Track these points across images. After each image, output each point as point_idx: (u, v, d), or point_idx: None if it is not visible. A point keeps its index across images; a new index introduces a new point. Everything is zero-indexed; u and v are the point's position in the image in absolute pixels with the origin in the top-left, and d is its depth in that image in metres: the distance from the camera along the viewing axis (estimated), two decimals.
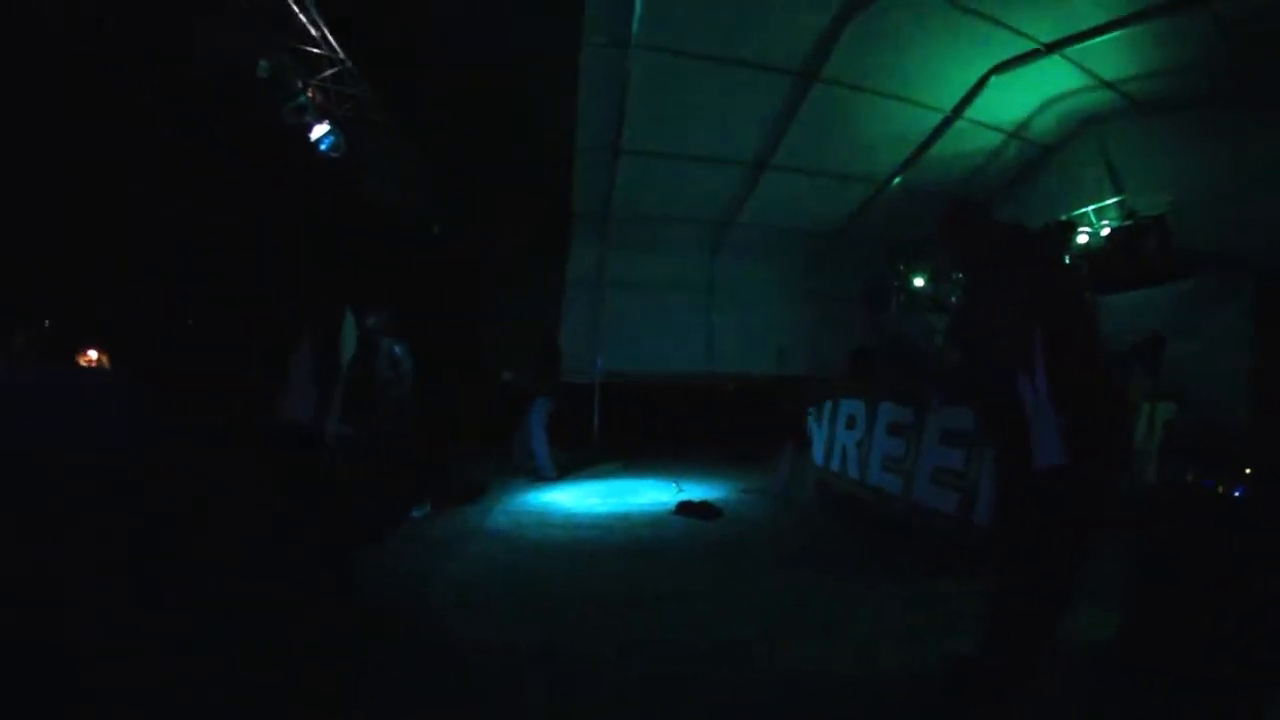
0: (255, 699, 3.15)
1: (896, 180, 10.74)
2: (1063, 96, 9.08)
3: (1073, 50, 7.96)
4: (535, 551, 5.76)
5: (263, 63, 8.06)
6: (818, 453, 7.67)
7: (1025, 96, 9.16)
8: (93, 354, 16.63)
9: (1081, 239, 9.49)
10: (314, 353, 4.74)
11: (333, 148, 9.10)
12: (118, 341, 15.01)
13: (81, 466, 6.88)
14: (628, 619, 4.19)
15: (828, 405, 7.56)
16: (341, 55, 8.77)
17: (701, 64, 8.53)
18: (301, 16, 8.20)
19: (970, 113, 9.32)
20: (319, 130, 8.93)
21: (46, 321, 16.56)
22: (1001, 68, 8.45)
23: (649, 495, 8.21)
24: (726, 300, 13.17)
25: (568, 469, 9.70)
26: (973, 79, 8.76)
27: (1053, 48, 7.98)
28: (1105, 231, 9.40)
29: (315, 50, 8.59)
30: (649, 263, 12.74)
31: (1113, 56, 8.05)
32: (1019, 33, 7.90)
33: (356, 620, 4.16)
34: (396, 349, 7.19)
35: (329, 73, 8.89)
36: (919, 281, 11.93)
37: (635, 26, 7.93)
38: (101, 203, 13.38)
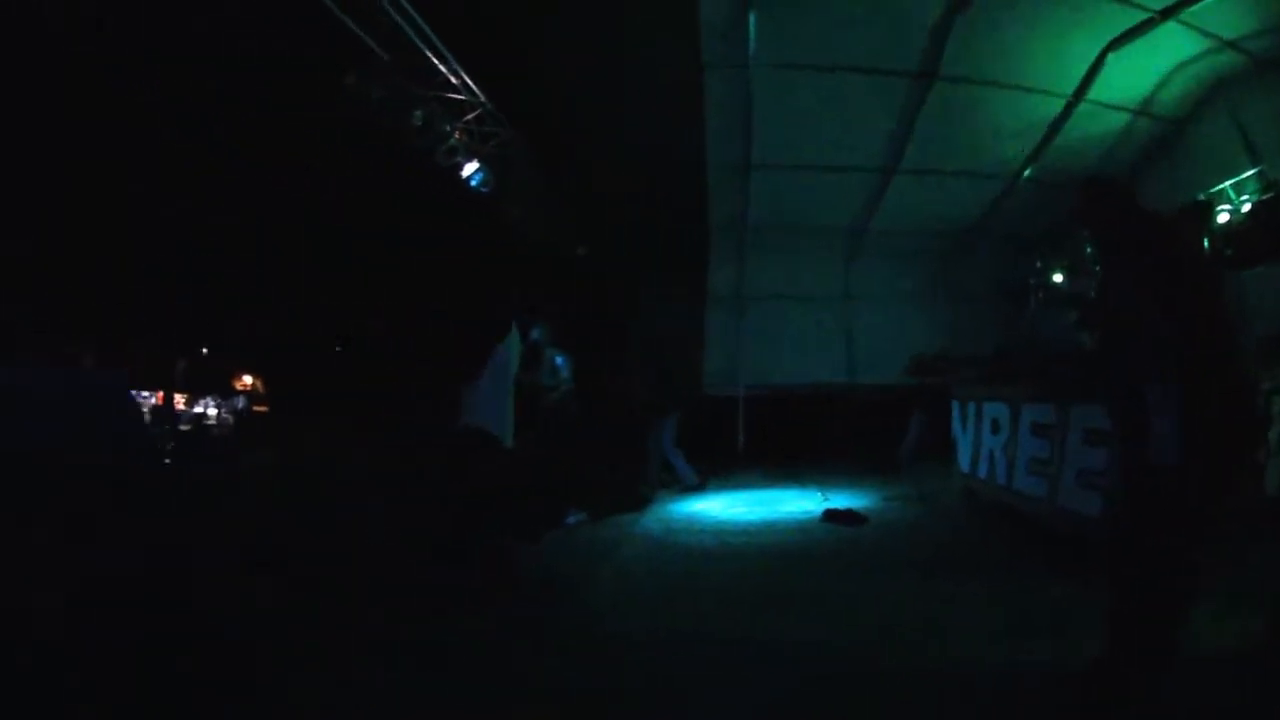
0: (431, 681, 3.70)
1: (1026, 173, 10.82)
2: (1185, 65, 8.95)
3: (1188, 13, 7.88)
4: (686, 555, 6.36)
5: (417, 112, 9.07)
6: (963, 459, 7.87)
7: (1146, 70, 9.09)
8: (247, 379, 18.32)
9: (1222, 218, 9.19)
10: (488, 365, 5.36)
11: (482, 183, 10.11)
12: (271, 367, 16.48)
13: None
14: (773, 617, 4.58)
15: (971, 407, 7.73)
16: (482, 99, 9.75)
17: (819, 75, 9.05)
18: (443, 68, 9.19)
19: (1092, 94, 9.32)
20: (469, 168, 9.95)
21: (204, 349, 18.32)
22: (1117, 43, 8.47)
23: (795, 504, 8.66)
24: (864, 308, 13.48)
25: (714, 479, 10.26)
26: (1090, 58, 8.81)
27: (1167, 13, 7.94)
28: (1246, 208, 9.08)
29: (459, 96, 9.57)
30: (786, 274, 13.22)
31: (1232, 14, 7.92)
32: (1129, 3, 7.93)
33: (522, 611, 4.76)
34: (558, 360, 8.00)
35: (472, 115, 9.87)
36: (1057, 278, 11.95)
37: (751, 46, 8.52)
38: (262, 238, 14.76)
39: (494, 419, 5.33)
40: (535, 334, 7.60)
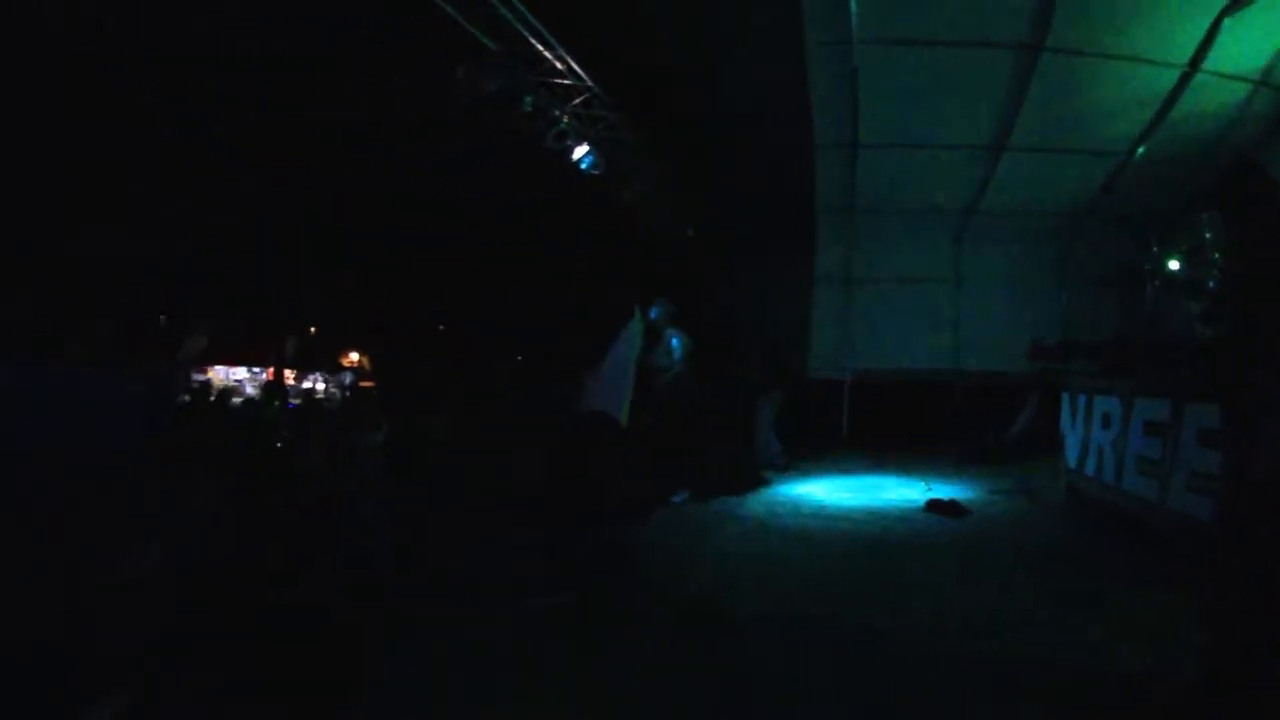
0: (554, 653, 4.03)
1: (1140, 151, 10.50)
2: None
3: None
4: (789, 538, 6.66)
5: (527, 98, 9.41)
6: (1071, 454, 7.80)
7: (1266, 36, 8.67)
8: (354, 355, 19.19)
9: None
10: (610, 347, 5.60)
11: (592, 166, 10.45)
12: (377, 345, 17.21)
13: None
14: (873, 605, 4.77)
15: (1081, 400, 7.65)
16: (589, 83, 10.04)
17: (924, 51, 9.05)
18: (548, 54, 9.50)
19: (1209, 64, 8.94)
20: (579, 151, 10.29)
21: (313, 329, 19.23)
22: (1232, 7, 8.14)
23: (898, 492, 8.82)
24: (973, 292, 13.34)
25: (817, 464, 10.51)
26: (1204, 25, 8.46)
27: None
28: None
29: (565, 81, 9.89)
30: (894, 256, 13.23)
31: None
32: None
33: (634, 588, 5.13)
34: (675, 340, 8.28)
35: (579, 100, 10.19)
36: (1173, 265, 11.58)
37: (854, 22, 8.55)
38: (372, 218, 15.39)
39: (612, 401, 5.55)
40: (654, 312, 7.94)
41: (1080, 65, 9.15)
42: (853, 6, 8.41)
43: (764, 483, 9.33)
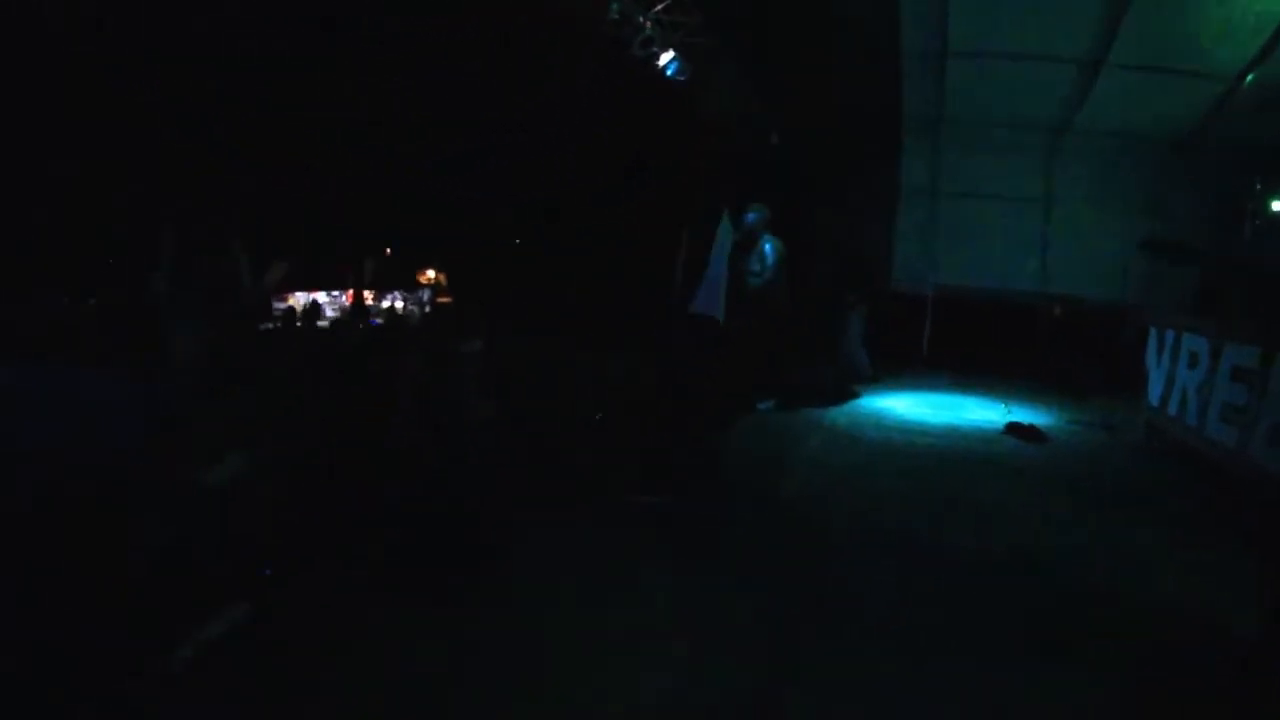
0: (650, 551, 4.37)
1: (1250, 78, 10.04)
2: None
3: None
4: (872, 450, 6.97)
5: (614, 4, 9.50)
6: (1154, 392, 7.72)
7: None
8: (430, 273, 19.61)
9: None
10: (700, 252, 5.77)
11: (678, 72, 10.53)
12: (453, 262, 17.52)
13: None
14: (952, 524, 5.05)
15: (1169, 337, 7.51)
16: None
17: None
18: None
19: None
20: (665, 58, 10.37)
21: (388, 250, 19.67)
22: None
23: (978, 412, 8.97)
24: (1063, 214, 12.92)
25: (897, 379, 10.69)
26: None
27: None
28: None
29: None
30: (982, 172, 12.95)
31: None
32: None
33: (724, 493, 5.46)
34: (768, 245, 8.44)
35: (661, 5, 10.22)
36: (1276, 205, 11.23)
37: None
38: (446, 135, 15.57)
39: (710, 303, 5.73)
40: (750, 217, 8.11)
41: None
42: None
43: (848, 394, 9.54)
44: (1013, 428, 7.93)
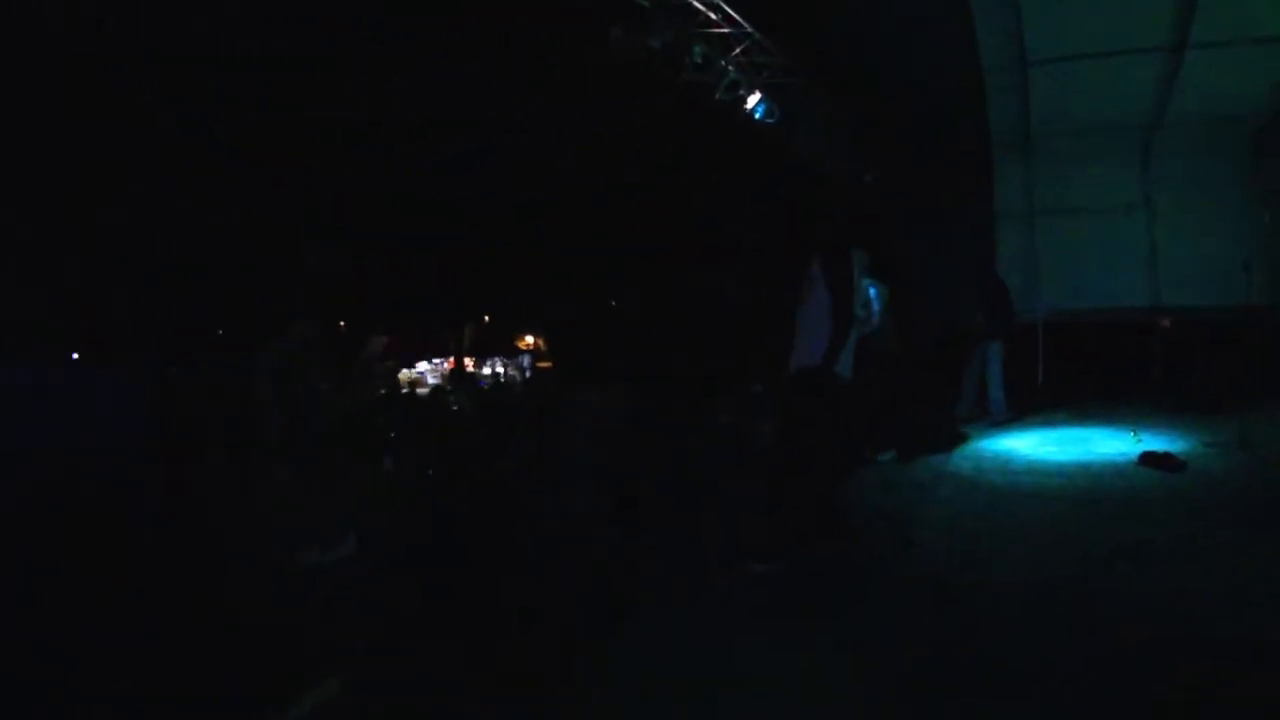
0: (774, 626, 4.14)
1: None
2: None
3: None
4: (1001, 497, 6.55)
5: (696, 48, 9.48)
6: None
7: None
8: (529, 339, 19.88)
9: None
10: (827, 296, 5.55)
11: (767, 114, 10.43)
12: (551, 328, 17.76)
13: None
14: (1094, 570, 4.63)
15: None
16: (749, 29, 10.00)
17: None
18: (699, 4, 9.50)
19: None
20: (752, 100, 10.30)
21: (487, 317, 20.01)
22: None
23: (1106, 444, 8.46)
24: (1169, 217, 12.33)
25: (1018, 414, 10.20)
26: None
27: None
28: None
29: (724, 30, 9.88)
30: (1077, 184, 12.50)
31: None
32: None
33: (851, 553, 5.21)
34: (873, 290, 8.17)
35: (740, 48, 10.16)
36: None
37: None
38: (545, 202, 15.81)
39: (813, 353, 5.49)
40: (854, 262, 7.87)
41: None
42: None
43: (968, 438, 9.17)
44: (1147, 457, 7.41)
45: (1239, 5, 9.29)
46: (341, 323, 18.29)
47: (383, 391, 10.63)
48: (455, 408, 10.67)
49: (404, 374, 16.33)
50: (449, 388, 12.62)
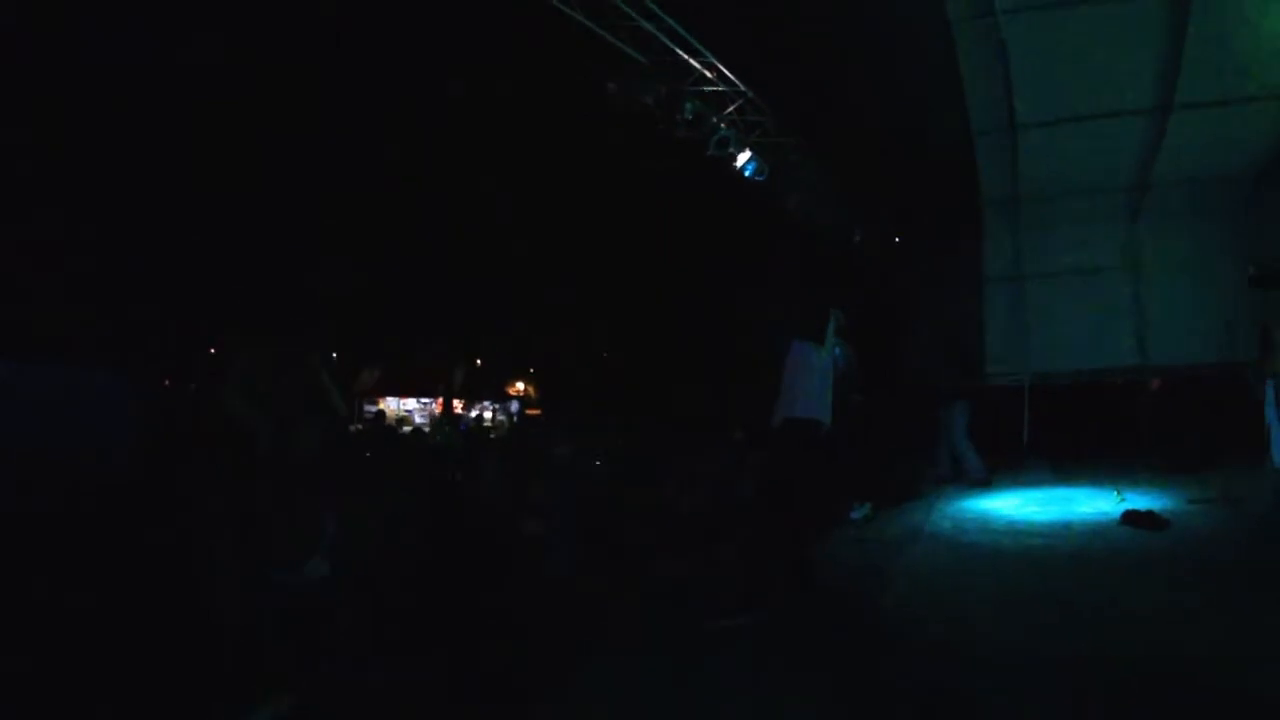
0: (745, 679, 4.01)
1: None
2: None
3: None
4: (980, 558, 6.40)
5: (688, 104, 9.50)
6: (1277, 453, 7.19)
7: None
8: (520, 385, 19.90)
9: None
10: (805, 353, 5.51)
11: (756, 172, 10.47)
12: (543, 375, 17.80)
13: None
14: (1075, 634, 4.47)
15: None
16: (742, 88, 10.06)
17: (1070, 11, 8.47)
18: (695, 63, 9.55)
19: None
20: (742, 158, 10.34)
21: (478, 360, 19.98)
22: None
23: (1089, 504, 8.38)
24: (1154, 278, 12.28)
25: (1001, 476, 10.09)
26: None
27: None
28: None
29: (718, 88, 9.93)
30: (1066, 245, 12.46)
31: None
32: None
33: (824, 609, 5.05)
34: (838, 350, 8.14)
35: (734, 106, 10.21)
36: None
37: None
38: (531, 249, 15.90)
39: (814, 407, 5.45)
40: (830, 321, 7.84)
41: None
42: None
43: (948, 497, 9.08)
44: (1129, 516, 7.31)
45: (1222, 67, 9.24)
46: (335, 354, 18.21)
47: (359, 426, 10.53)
48: (438, 439, 10.58)
49: (391, 410, 16.29)
50: (430, 429, 12.51)
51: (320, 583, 4.93)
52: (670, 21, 9.10)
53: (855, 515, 7.90)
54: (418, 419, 16.71)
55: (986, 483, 9.74)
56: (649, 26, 9.05)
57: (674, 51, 9.38)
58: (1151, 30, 8.85)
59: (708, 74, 9.85)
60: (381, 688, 3.83)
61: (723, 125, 10.19)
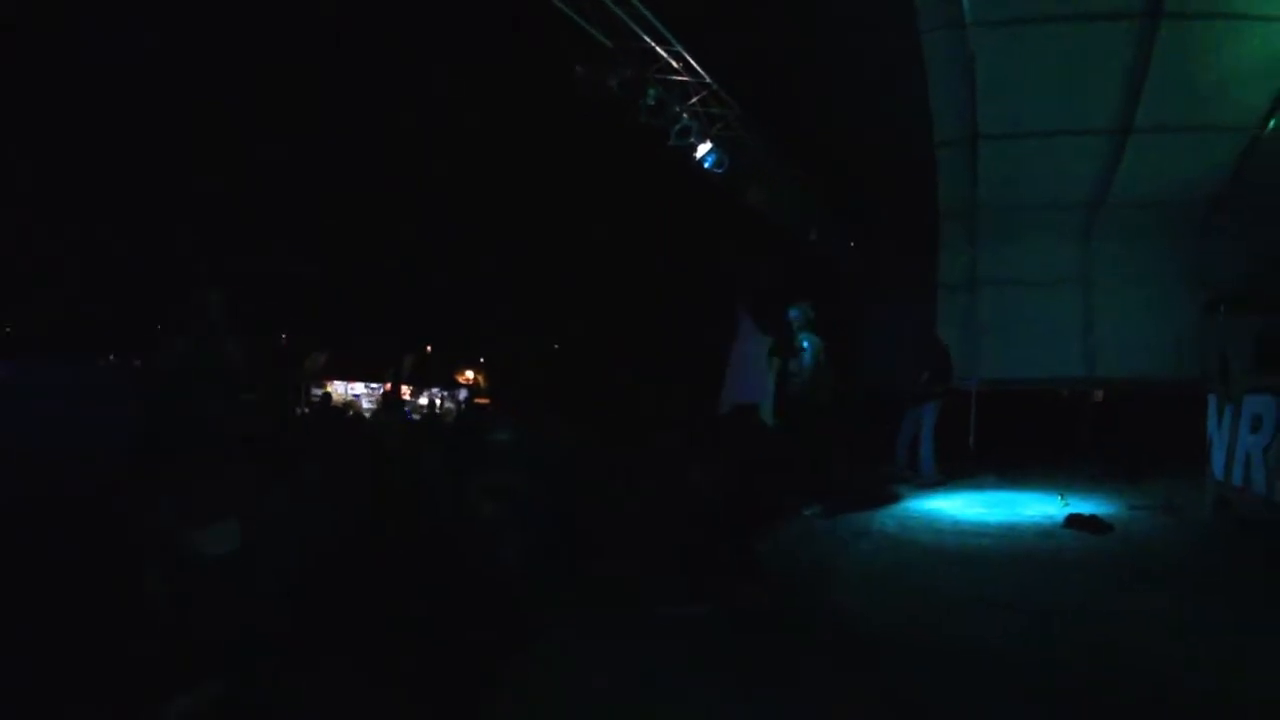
0: (686, 670, 3.90)
1: (1272, 123, 9.71)
2: None
3: None
4: (925, 555, 6.40)
5: (650, 90, 9.42)
6: (1217, 465, 7.31)
7: None
8: (470, 374, 19.67)
9: None
10: (741, 340, 5.46)
11: (715, 164, 10.41)
12: (493, 363, 17.63)
13: None
14: (1018, 629, 4.47)
15: (1228, 408, 7.12)
16: (707, 79, 9.98)
17: (1040, 28, 8.72)
18: (662, 51, 9.47)
19: None
20: (702, 149, 10.28)
21: (429, 347, 19.74)
22: None
23: (1034, 507, 8.43)
24: (1104, 293, 12.50)
25: (947, 478, 10.14)
26: None
27: None
28: None
29: (683, 78, 9.86)
30: (1020, 257, 12.61)
31: None
32: None
33: (768, 602, 4.97)
34: (805, 343, 8.09)
35: (697, 97, 10.15)
36: None
37: (965, 3, 8.29)
38: (485, 236, 15.74)
39: (751, 394, 5.42)
40: (792, 313, 7.82)
41: (1204, 30, 8.68)
42: None
43: (895, 496, 9.09)
44: (1073, 520, 7.36)
45: (1178, 95, 9.49)
46: (284, 335, 17.95)
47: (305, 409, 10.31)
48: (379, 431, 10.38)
49: (338, 394, 16.05)
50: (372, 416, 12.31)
51: (233, 556, 4.77)
52: (640, 7, 9.01)
53: (807, 512, 7.84)
54: (365, 404, 16.48)
55: (939, 484, 9.82)
56: (619, 11, 8.95)
57: (641, 38, 9.29)
58: (1118, 53, 9.06)
59: (674, 63, 9.76)
60: (314, 676, 3.65)
61: (685, 115, 10.11)
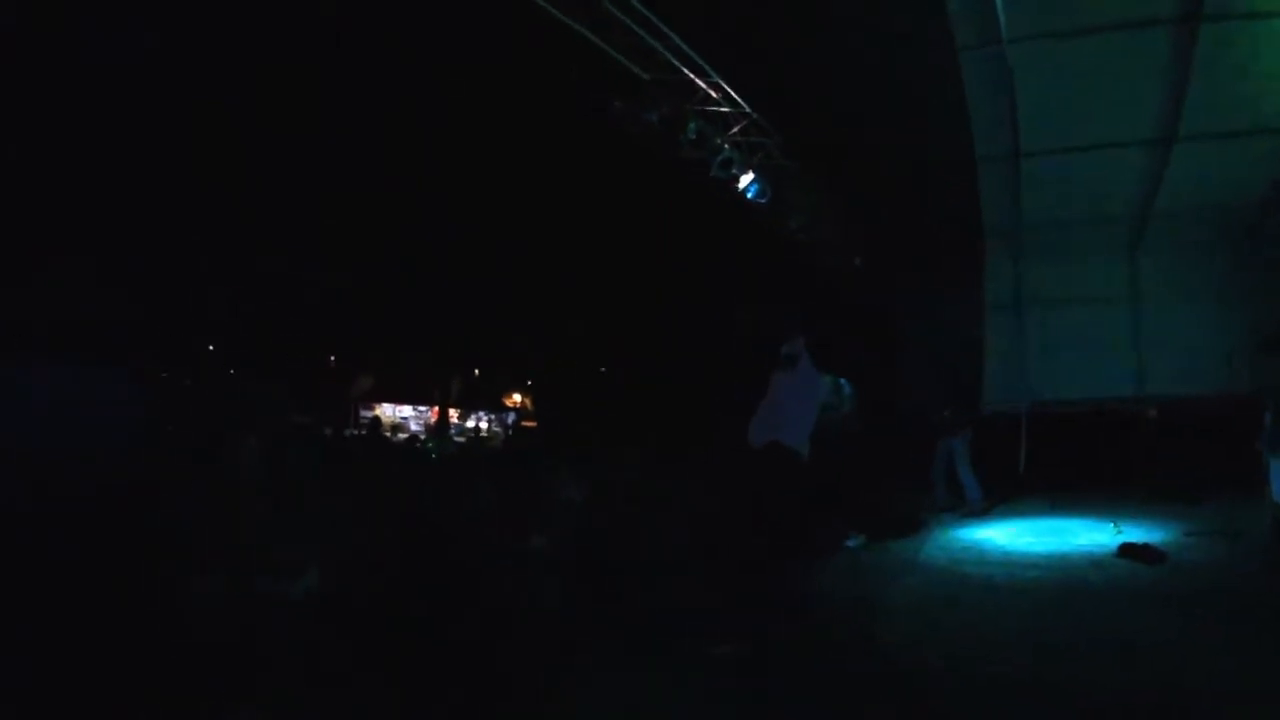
0: (730, 710, 3.92)
1: None
2: None
3: None
4: (975, 587, 6.33)
5: (691, 124, 9.47)
6: (1276, 486, 7.13)
7: None
8: (517, 397, 19.84)
9: None
10: (795, 376, 5.45)
11: (759, 194, 10.45)
12: (541, 388, 17.77)
13: None
14: (1073, 666, 4.41)
15: None
16: (747, 109, 10.02)
17: (1077, 41, 8.51)
18: (701, 83, 9.52)
19: None
20: (745, 180, 10.30)
21: (477, 371, 19.94)
22: None
23: (1085, 536, 8.28)
24: (1156, 307, 12.18)
25: (995, 506, 10.02)
26: None
27: None
28: None
29: (723, 109, 9.91)
30: (1067, 275, 12.36)
31: None
32: None
33: (814, 639, 4.95)
34: (841, 380, 8.07)
35: (738, 127, 10.19)
36: None
37: (1001, 17, 8.09)
38: (533, 262, 15.87)
39: (793, 433, 5.40)
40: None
41: (1247, 30, 8.36)
42: (999, 4, 7.95)
43: (942, 526, 9.01)
44: (1127, 549, 7.21)
45: (1223, 99, 9.22)
46: (332, 358, 18.22)
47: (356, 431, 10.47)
48: (434, 456, 10.49)
49: (387, 417, 16.25)
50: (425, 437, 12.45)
51: (307, 596, 4.87)
52: (677, 39, 9.06)
53: (850, 544, 7.81)
54: (413, 426, 16.66)
55: (984, 513, 9.69)
56: (655, 44, 9.01)
57: (680, 70, 9.35)
58: (1158, 61, 8.84)
59: (713, 94, 9.83)
60: (351, 705, 3.71)
61: (726, 146, 10.16)
